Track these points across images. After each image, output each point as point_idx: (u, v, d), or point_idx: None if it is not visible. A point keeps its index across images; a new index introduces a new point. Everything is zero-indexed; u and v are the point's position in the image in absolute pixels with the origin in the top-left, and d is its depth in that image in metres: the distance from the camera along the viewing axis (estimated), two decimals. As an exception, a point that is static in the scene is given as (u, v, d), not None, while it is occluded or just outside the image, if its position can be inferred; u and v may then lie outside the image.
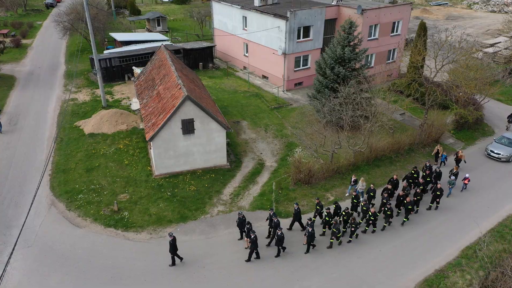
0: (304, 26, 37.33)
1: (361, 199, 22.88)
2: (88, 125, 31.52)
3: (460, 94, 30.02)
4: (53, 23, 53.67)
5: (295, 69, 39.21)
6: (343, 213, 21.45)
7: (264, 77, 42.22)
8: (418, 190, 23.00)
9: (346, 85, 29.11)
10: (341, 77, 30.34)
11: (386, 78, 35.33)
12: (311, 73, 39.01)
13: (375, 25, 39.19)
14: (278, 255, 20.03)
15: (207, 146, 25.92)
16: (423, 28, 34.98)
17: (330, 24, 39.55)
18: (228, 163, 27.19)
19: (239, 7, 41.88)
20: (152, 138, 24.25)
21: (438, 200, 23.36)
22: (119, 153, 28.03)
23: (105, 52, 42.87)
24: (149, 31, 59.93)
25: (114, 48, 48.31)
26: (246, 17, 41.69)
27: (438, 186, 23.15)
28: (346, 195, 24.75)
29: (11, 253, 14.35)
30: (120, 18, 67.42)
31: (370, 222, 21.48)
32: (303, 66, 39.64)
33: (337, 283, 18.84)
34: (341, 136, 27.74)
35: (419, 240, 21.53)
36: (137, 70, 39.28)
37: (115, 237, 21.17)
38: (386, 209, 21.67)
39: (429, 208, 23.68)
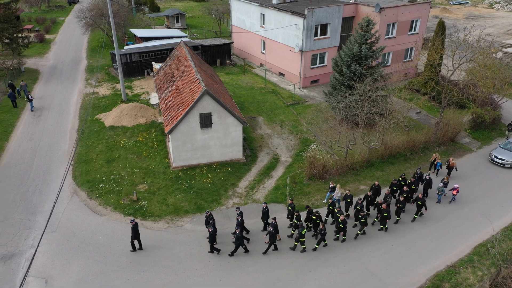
0: (321, 24, 37.60)
1: (336, 205, 22.18)
2: (109, 118, 32.48)
3: (478, 93, 29.91)
4: (76, 19, 55.19)
5: (312, 67, 39.51)
6: (314, 217, 20.58)
7: (281, 74, 42.63)
8: (401, 198, 22.12)
9: (362, 82, 29.34)
10: (358, 75, 30.57)
11: (403, 77, 35.38)
12: (328, 71, 39.26)
13: (393, 23, 39.18)
14: (236, 251, 20.02)
15: (223, 140, 26.53)
16: (441, 27, 34.85)
17: (347, 22, 39.71)
18: (244, 157, 27.76)
19: (257, 4, 42.35)
20: (171, 131, 24.96)
21: (420, 211, 22.36)
22: (138, 146, 28.87)
23: (125, 47, 43.84)
24: (168, 27, 60.88)
25: (134, 44, 49.34)
26: (264, 15, 42.15)
27: (419, 196, 22.17)
28: (324, 201, 23.93)
29: (41, 238, 15.19)
30: (140, 14, 68.63)
31: (336, 229, 20.80)
32: (319, 63, 39.90)
33: (348, 275, 19.24)
34: (356, 133, 28.02)
35: (431, 236, 21.72)
36: (156, 66, 40.14)
37: (134, 225, 21.96)
38: (360, 216, 21.11)
39: (413, 220, 22.60)
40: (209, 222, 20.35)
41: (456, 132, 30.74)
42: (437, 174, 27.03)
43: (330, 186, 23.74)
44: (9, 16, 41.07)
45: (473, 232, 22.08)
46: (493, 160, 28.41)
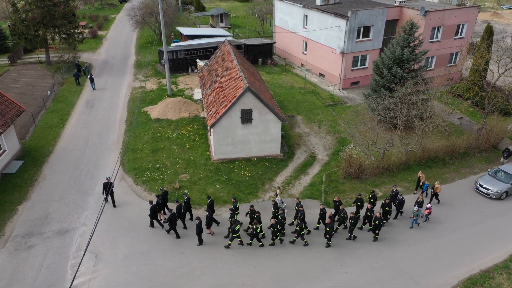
0: (364, 26, 37.78)
1: (279, 209, 21.78)
2: (155, 111, 34.30)
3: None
4: (126, 17, 58.09)
5: (352, 68, 39.74)
6: (255, 216, 20.83)
7: (321, 75, 43.10)
8: (351, 215, 21.05)
9: (403, 85, 29.38)
10: (398, 78, 30.62)
11: (447, 82, 34.98)
12: (368, 73, 39.35)
13: (438, 27, 38.72)
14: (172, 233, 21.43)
15: (263, 136, 27.49)
16: (488, 32, 34.19)
17: (391, 24, 39.62)
18: (281, 154, 28.60)
19: (301, 5, 43.05)
20: (213, 125, 26.20)
21: (377, 231, 21.13)
22: (181, 138, 30.40)
23: (172, 45, 45.82)
24: (213, 26, 62.72)
25: (179, 41, 51.35)
26: (307, 16, 42.77)
27: (377, 215, 20.96)
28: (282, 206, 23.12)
29: (98, 219, 16.70)
30: (186, 13, 71.01)
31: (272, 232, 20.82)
32: (360, 65, 40.06)
33: (379, 272, 19.63)
34: (394, 135, 28.14)
35: (466, 241, 21.66)
36: (200, 63, 41.75)
37: (176, 212, 23.32)
38: (297, 223, 20.56)
39: (375, 240, 21.42)
40: (158, 196, 22.32)
41: (499, 139, 30.14)
42: (426, 195, 24.53)
43: (277, 191, 23.59)
44: (67, 13, 44.00)
45: (510, 240, 21.80)
46: (477, 189, 25.33)
